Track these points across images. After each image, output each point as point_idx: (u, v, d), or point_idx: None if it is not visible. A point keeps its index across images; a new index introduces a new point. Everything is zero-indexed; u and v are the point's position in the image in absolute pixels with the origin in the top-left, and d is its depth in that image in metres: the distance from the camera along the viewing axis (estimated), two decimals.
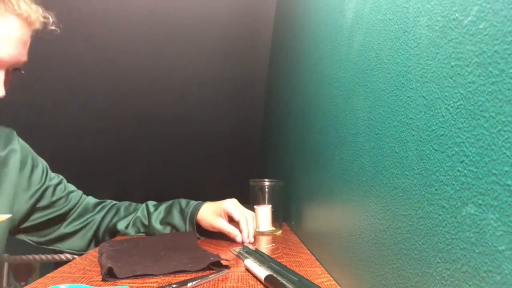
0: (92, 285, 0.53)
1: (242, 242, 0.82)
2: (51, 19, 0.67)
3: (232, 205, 0.84)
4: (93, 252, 0.74)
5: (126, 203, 0.96)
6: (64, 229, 0.87)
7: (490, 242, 0.24)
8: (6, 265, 2.13)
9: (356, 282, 0.48)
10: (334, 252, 0.58)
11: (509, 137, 0.23)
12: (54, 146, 2.07)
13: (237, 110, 2.48)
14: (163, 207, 0.92)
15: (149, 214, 0.91)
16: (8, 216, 0.63)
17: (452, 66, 0.29)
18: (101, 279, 0.55)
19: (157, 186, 2.64)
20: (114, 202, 0.96)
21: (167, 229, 0.89)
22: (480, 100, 0.25)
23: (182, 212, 0.89)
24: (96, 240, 0.91)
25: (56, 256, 2.14)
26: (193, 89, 2.33)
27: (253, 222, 0.85)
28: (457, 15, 0.29)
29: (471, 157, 0.26)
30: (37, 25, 0.65)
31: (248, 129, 2.55)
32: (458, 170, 0.28)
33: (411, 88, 0.36)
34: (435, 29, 0.32)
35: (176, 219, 0.89)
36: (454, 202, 0.28)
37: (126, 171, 2.65)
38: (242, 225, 0.82)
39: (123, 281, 0.55)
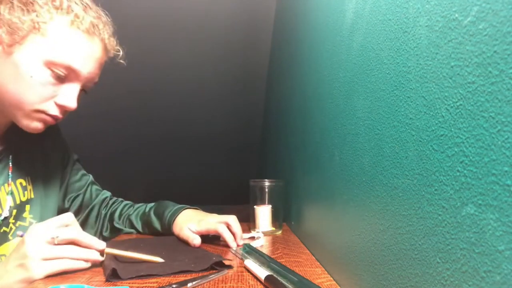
0: (92, 285, 0.53)
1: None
2: (121, 53, 0.75)
3: (196, 226, 0.78)
4: None
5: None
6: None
7: (489, 242, 0.24)
8: None
9: (356, 282, 0.48)
10: (334, 252, 0.58)
11: (509, 137, 0.23)
12: None
13: (237, 110, 2.48)
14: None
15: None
16: (161, 260, 0.62)
17: (452, 67, 0.29)
18: (101, 279, 0.56)
19: (157, 187, 2.64)
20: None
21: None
22: (479, 100, 0.26)
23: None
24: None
25: None
26: (192, 90, 2.33)
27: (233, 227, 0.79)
28: (456, 15, 0.29)
29: (470, 157, 0.26)
30: (111, 54, 0.73)
31: (248, 129, 2.55)
32: (458, 170, 0.28)
33: (411, 88, 0.36)
34: (435, 29, 0.32)
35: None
36: (454, 202, 0.28)
37: (126, 172, 2.65)
38: (224, 234, 0.77)
39: (123, 281, 0.55)
